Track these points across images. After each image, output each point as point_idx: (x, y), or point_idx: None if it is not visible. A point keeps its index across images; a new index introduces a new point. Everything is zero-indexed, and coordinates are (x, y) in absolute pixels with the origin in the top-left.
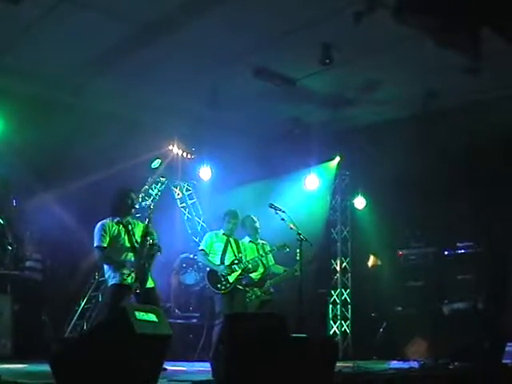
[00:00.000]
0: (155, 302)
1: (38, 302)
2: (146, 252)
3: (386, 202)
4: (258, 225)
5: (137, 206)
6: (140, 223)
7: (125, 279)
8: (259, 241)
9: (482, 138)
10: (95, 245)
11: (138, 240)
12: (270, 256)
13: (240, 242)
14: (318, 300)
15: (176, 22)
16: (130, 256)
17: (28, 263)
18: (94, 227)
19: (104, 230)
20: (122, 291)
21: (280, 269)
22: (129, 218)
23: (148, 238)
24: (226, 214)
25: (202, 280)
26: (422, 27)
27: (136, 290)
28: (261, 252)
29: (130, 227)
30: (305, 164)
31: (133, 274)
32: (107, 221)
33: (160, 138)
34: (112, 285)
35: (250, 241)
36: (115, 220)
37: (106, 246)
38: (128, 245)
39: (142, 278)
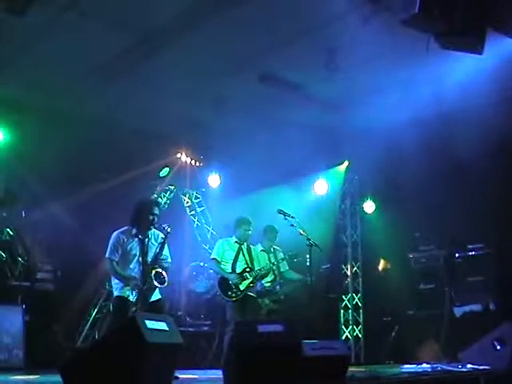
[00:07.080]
0: (161, 313)
1: (50, 312)
2: (151, 284)
3: (395, 206)
4: (277, 235)
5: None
6: (159, 232)
7: (128, 295)
8: (272, 248)
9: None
10: (106, 255)
11: (152, 255)
12: (284, 262)
13: (252, 248)
14: (329, 305)
15: (181, 29)
16: (138, 272)
17: (39, 275)
18: (104, 236)
19: (118, 242)
20: (125, 303)
21: (294, 275)
22: (147, 232)
23: (156, 271)
24: (239, 221)
25: (213, 288)
26: (430, 30)
27: (136, 310)
28: (273, 260)
29: (146, 241)
30: (313, 169)
31: (135, 293)
32: (123, 233)
33: (168, 146)
34: (116, 296)
35: (262, 250)
36: (133, 232)
37: (115, 259)
38: (139, 261)
39: (143, 300)
